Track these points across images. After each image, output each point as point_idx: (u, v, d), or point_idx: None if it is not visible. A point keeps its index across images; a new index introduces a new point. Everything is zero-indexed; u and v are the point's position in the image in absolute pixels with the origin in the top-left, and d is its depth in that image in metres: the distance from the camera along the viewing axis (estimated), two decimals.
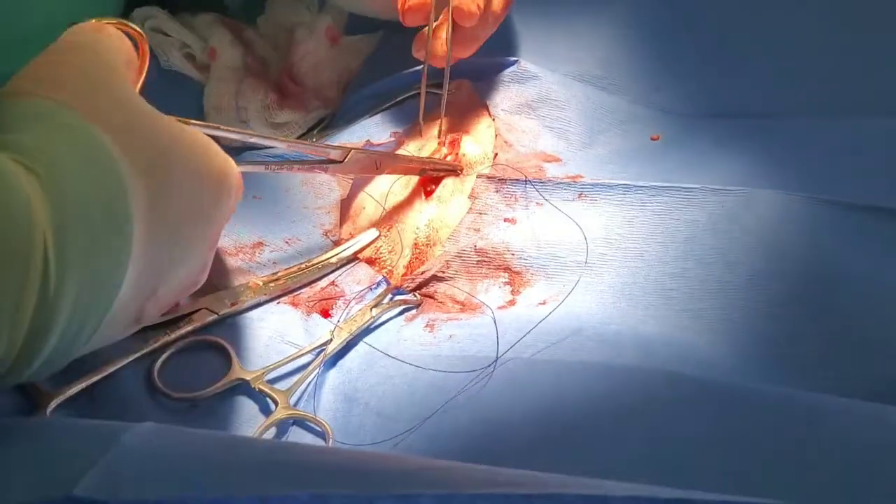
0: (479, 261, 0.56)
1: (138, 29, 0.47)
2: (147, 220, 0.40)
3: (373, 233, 0.59)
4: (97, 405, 0.48)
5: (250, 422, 0.49)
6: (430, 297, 0.56)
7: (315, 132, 0.67)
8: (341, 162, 0.57)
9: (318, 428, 0.49)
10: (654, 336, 0.50)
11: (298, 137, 0.67)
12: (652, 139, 0.63)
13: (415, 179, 0.61)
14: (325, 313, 0.55)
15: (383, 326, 0.54)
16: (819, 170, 0.57)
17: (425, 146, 0.63)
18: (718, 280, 0.51)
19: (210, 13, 0.70)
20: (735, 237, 0.53)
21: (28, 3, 0.59)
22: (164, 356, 0.50)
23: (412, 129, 0.64)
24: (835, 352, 0.48)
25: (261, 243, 0.58)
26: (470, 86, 0.66)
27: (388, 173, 0.60)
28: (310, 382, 0.50)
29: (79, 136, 0.38)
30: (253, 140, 0.55)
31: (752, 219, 0.53)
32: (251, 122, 0.66)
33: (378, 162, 0.59)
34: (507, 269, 0.56)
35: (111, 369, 0.48)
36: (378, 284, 0.56)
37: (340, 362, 0.52)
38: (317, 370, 0.51)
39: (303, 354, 0.51)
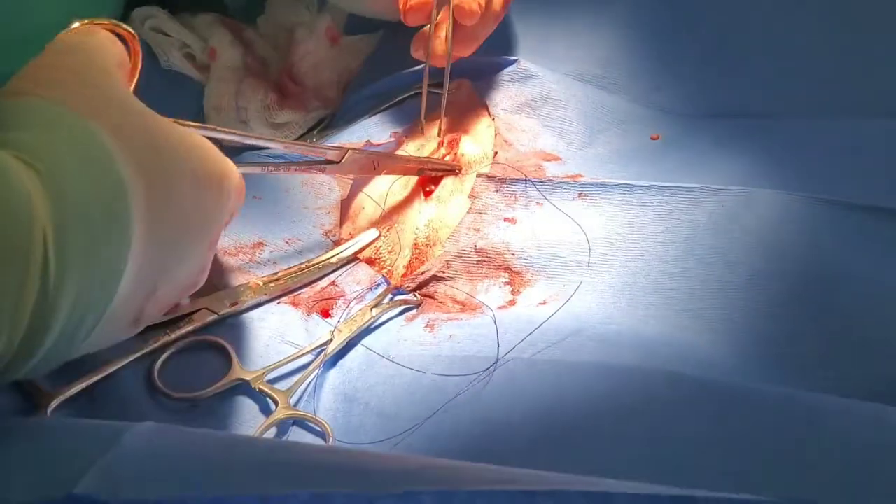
0: (479, 261, 0.56)
1: (130, 30, 0.47)
2: (146, 218, 0.40)
3: (373, 233, 0.59)
4: (97, 405, 0.48)
5: (250, 422, 0.49)
6: (430, 297, 0.56)
7: (315, 132, 0.67)
8: (339, 162, 0.57)
9: (318, 428, 0.49)
10: (654, 336, 0.50)
11: (298, 137, 0.67)
12: (652, 139, 0.63)
13: (414, 179, 0.61)
14: (325, 313, 0.55)
15: (383, 326, 0.54)
16: (819, 170, 0.57)
17: (425, 146, 0.63)
18: (719, 280, 0.51)
19: (210, 13, 0.70)
20: (735, 237, 0.53)
21: (28, 3, 0.59)
22: (164, 356, 0.50)
23: (412, 128, 0.64)
24: (835, 352, 0.48)
25: (261, 243, 0.58)
26: (470, 85, 0.66)
27: (386, 174, 0.60)
28: (310, 382, 0.50)
29: (78, 134, 0.39)
30: (249, 141, 0.54)
31: (753, 218, 0.53)
32: (251, 122, 0.66)
33: (376, 162, 0.59)
34: (507, 268, 0.56)
35: (111, 369, 0.48)
36: (378, 284, 0.56)
37: (340, 362, 0.52)
38: (317, 370, 0.51)
39: (303, 354, 0.51)
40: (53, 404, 0.46)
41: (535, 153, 0.61)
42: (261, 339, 0.53)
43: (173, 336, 0.51)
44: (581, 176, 0.59)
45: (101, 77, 0.43)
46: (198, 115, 0.67)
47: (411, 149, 0.63)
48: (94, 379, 0.47)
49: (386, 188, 0.61)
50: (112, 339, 0.45)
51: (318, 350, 0.52)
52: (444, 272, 0.56)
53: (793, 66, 0.65)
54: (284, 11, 0.72)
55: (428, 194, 0.61)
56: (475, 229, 0.57)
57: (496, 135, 0.62)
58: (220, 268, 0.56)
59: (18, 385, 0.47)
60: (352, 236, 0.59)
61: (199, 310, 0.52)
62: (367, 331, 0.54)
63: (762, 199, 0.54)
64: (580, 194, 0.57)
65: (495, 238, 0.56)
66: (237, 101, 0.66)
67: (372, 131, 0.64)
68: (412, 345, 0.52)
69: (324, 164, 0.57)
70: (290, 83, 0.68)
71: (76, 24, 0.46)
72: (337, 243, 0.59)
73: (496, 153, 0.61)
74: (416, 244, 0.58)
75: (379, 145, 0.63)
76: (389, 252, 0.59)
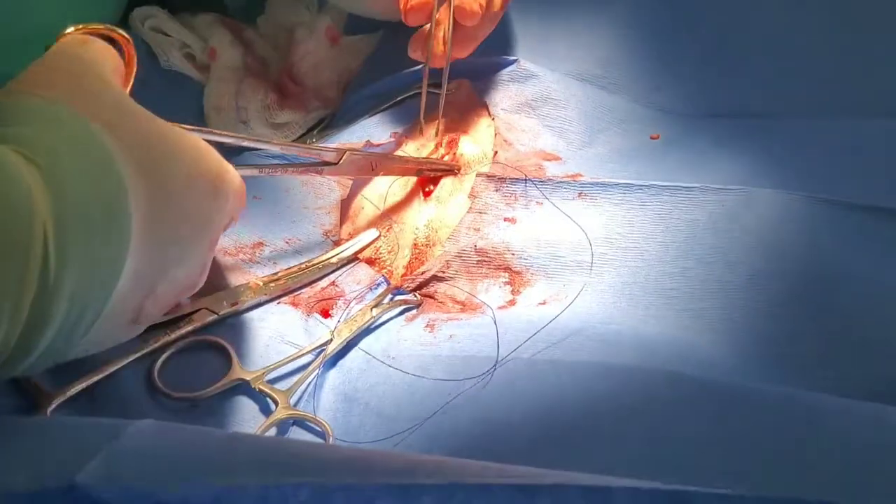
0: (479, 260, 0.56)
1: (125, 34, 0.48)
2: (145, 217, 0.40)
3: (373, 233, 0.59)
4: (97, 405, 0.48)
5: (250, 422, 0.49)
6: (431, 297, 0.56)
7: (315, 132, 0.67)
8: (336, 164, 0.57)
9: (318, 428, 0.49)
10: (654, 336, 0.50)
11: (298, 138, 0.67)
12: (651, 138, 0.63)
13: (413, 180, 0.61)
14: (326, 313, 0.55)
15: (383, 327, 0.54)
16: (819, 170, 0.57)
17: (425, 146, 0.63)
18: (719, 280, 0.51)
19: (210, 13, 0.70)
20: (735, 237, 0.53)
21: (28, 3, 0.59)
22: (164, 356, 0.50)
23: (412, 128, 0.64)
24: (835, 352, 0.48)
25: (261, 243, 0.58)
26: (469, 85, 0.66)
27: (384, 174, 0.60)
28: (310, 382, 0.50)
29: (77, 131, 0.39)
30: (245, 143, 0.54)
31: (753, 218, 0.53)
32: (251, 122, 0.65)
33: (374, 163, 0.59)
34: (507, 268, 0.56)
35: (111, 369, 0.48)
36: (378, 284, 0.56)
37: (340, 362, 0.52)
38: (317, 370, 0.51)
39: (303, 354, 0.52)
40: (53, 404, 0.46)
41: (535, 153, 0.61)
42: (261, 339, 0.53)
43: (173, 336, 0.51)
44: (581, 175, 0.59)
45: (98, 82, 0.43)
46: (198, 115, 0.67)
47: (411, 149, 0.63)
48: (94, 379, 0.47)
49: (385, 188, 0.61)
50: (114, 339, 0.45)
51: (318, 350, 0.52)
52: (444, 272, 0.56)
53: (793, 66, 0.65)
54: (284, 11, 0.72)
55: (427, 194, 0.61)
56: (475, 229, 0.57)
57: (496, 135, 0.62)
58: (220, 268, 0.56)
59: (19, 385, 0.47)
60: (352, 236, 0.59)
61: (199, 310, 0.52)
62: (368, 331, 0.54)
63: (762, 199, 0.54)
64: (580, 194, 0.57)
65: (495, 238, 0.56)
66: (237, 101, 0.66)
67: (372, 131, 0.64)
68: (412, 345, 0.52)
69: (321, 166, 0.57)
70: (290, 83, 0.68)
71: (70, 30, 0.46)
72: (337, 243, 0.59)
73: (496, 153, 0.61)
74: (415, 244, 0.58)
75: (379, 145, 0.63)
76: (389, 252, 0.59)
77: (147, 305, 0.44)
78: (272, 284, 0.55)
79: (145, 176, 0.40)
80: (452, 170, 0.61)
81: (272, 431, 0.48)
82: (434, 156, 0.62)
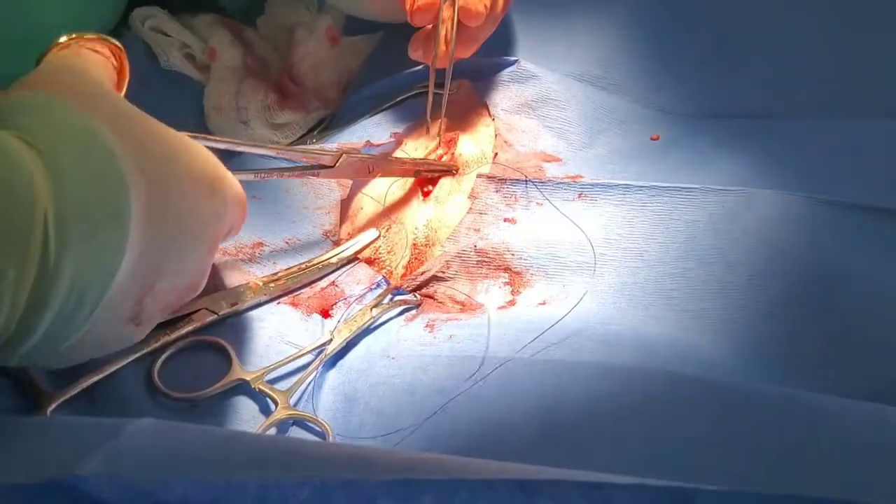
0: (479, 261, 0.56)
1: (117, 43, 0.48)
2: (145, 209, 0.40)
3: (373, 233, 0.59)
4: (97, 405, 0.48)
5: (250, 422, 0.49)
6: (430, 297, 0.56)
7: (315, 132, 0.67)
8: (333, 167, 0.57)
9: (317, 428, 0.49)
10: (654, 336, 0.50)
11: (299, 138, 0.67)
12: (652, 139, 0.63)
13: (412, 180, 0.61)
14: (326, 313, 0.55)
15: (383, 327, 0.54)
16: (819, 170, 0.57)
17: (424, 145, 0.63)
18: (719, 280, 0.51)
19: (210, 13, 0.70)
20: (735, 237, 0.53)
21: (28, 3, 0.59)
22: (164, 356, 0.50)
23: (413, 128, 0.64)
24: (835, 352, 0.48)
25: (261, 243, 0.58)
26: (469, 86, 0.66)
27: (381, 176, 0.60)
28: (310, 383, 0.50)
29: (77, 122, 0.39)
30: (240, 149, 0.54)
31: (753, 219, 0.53)
32: (251, 122, 0.65)
33: (371, 166, 0.59)
34: (507, 269, 0.56)
35: (111, 369, 0.48)
36: (378, 285, 0.56)
37: (340, 362, 0.52)
38: (317, 370, 0.51)
39: (303, 355, 0.51)
40: (53, 404, 0.46)
41: (535, 154, 0.61)
42: (261, 339, 0.53)
43: (173, 336, 0.51)
44: (581, 177, 0.59)
45: (94, 87, 0.44)
46: (198, 115, 0.67)
47: (410, 149, 0.63)
48: (95, 379, 0.47)
49: (385, 189, 0.61)
50: (116, 340, 0.45)
51: (318, 350, 0.52)
52: (443, 272, 0.56)
53: (793, 66, 0.65)
54: (284, 12, 0.72)
55: (426, 195, 0.61)
56: (475, 229, 0.57)
57: (496, 135, 0.62)
58: (220, 268, 0.56)
59: (19, 385, 0.47)
60: (351, 236, 0.59)
61: (199, 310, 0.52)
62: (367, 331, 0.54)
63: (762, 200, 0.54)
64: (580, 195, 0.57)
65: (495, 238, 0.56)
66: (237, 102, 0.66)
67: (372, 131, 0.64)
68: (412, 345, 0.52)
69: (318, 169, 0.57)
70: (290, 83, 0.68)
71: (63, 39, 0.46)
72: (337, 243, 0.59)
73: (496, 154, 0.61)
74: (415, 244, 0.58)
75: (379, 145, 0.63)
76: (389, 252, 0.59)
77: (147, 303, 0.44)
78: (272, 284, 0.55)
79: (144, 173, 0.41)
80: (450, 170, 0.61)
81: (272, 431, 0.48)
82: (433, 156, 0.62)
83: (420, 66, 0.63)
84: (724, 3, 0.68)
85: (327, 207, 0.61)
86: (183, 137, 0.45)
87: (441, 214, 0.59)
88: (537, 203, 0.58)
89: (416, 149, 0.63)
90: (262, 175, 0.55)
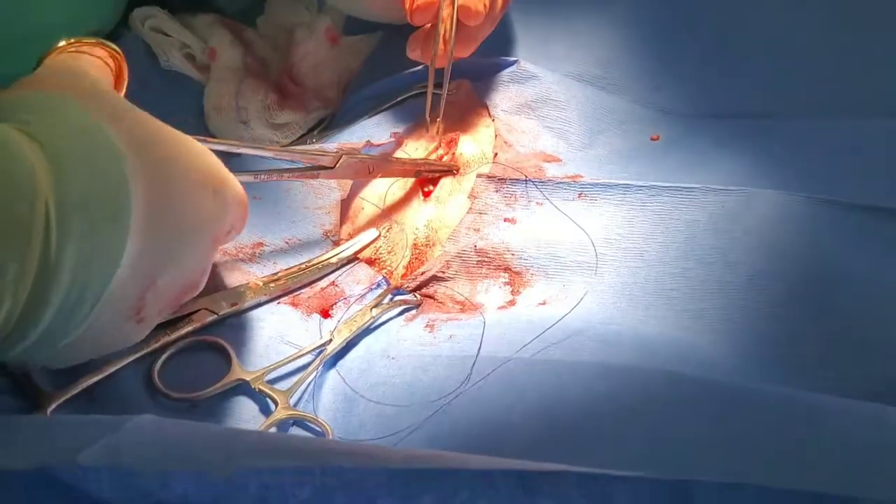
0: (479, 261, 0.56)
1: (115, 48, 0.48)
2: (146, 203, 0.40)
3: (373, 233, 0.59)
4: (97, 405, 0.48)
5: (250, 422, 0.49)
6: (430, 297, 0.56)
7: (315, 132, 0.67)
8: (332, 168, 0.57)
9: (317, 428, 0.49)
10: (654, 336, 0.50)
11: (299, 138, 0.67)
12: (651, 139, 0.63)
13: (412, 180, 0.61)
14: (325, 313, 0.55)
15: (383, 327, 0.54)
16: (819, 170, 0.57)
17: (425, 146, 0.63)
18: (719, 280, 0.51)
19: (210, 13, 0.70)
20: (735, 237, 0.53)
21: (28, 3, 0.59)
22: (164, 356, 0.50)
23: (415, 128, 0.64)
24: (835, 352, 0.48)
25: (261, 243, 0.58)
26: (469, 86, 0.66)
27: (381, 176, 0.60)
28: (310, 383, 0.50)
29: (78, 117, 0.39)
30: (238, 150, 0.54)
31: (753, 219, 0.53)
32: (252, 122, 0.65)
33: (371, 166, 0.59)
34: (507, 269, 0.56)
35: (111, 369, 0.48)
36: (378, 285, 0.56)
37: (340, 362, 0.52)
38: (317, 370, 0.51)
39: (303, 355, 0.51)
40: (54, 405, 0.46)
41: (535, 154, 0.61)
42: (261, 339, 0.53)
43: (173, 336, 0.51)
44: (581, 177, 0.59)
45: (94, 86, 0.44)
46: (198, 115, 0.67)
47: (411, 149, 0.63)
48: (95, 379, 0.47)
49: (385, 189, 0.61)
50: (118, 338, 0.45)
51: (318, 350, 0.52)
52: (443, 272, 0.56)
53: (793, 66, 0.65)
54: (284, 12, 0.72)
55: (427, 195, 0.61)
56: (475, 229, 0.57)
57: (496, 136, 0.62)
58: (220, 268, 0.56)
59: (19, 385, 0.47)
60: (351, 236, 0.59)
61: (199, 310, 0.52)
62: (367, 331, 0.54)
63: (762, 200, 0.54)
64: (580, 195, 0.57)
65: (495, 238, 0.56)
66: (237, 102, 0.66)
67: (372, 131, 0.64)
68: (412, 345, 0.52)
69: (318, 170, 0.57)
70: (290, 84, 0.68)
71: (62, 43, 0.47)
72: (337, 243, 0.59)
73: (496, 154, 0.61)
74: (415, 244, 0.58)
75: (379, 145, 0.63)
76: (389, 252, 0.59)
77: (148, 298, 0.44)
78: (272, 284, 0.55)
79: (144, 171, 0.41)
80: (451, 170, 0.61)
81: (272, 431, 0.48)
82: (433, 156, 0.62)
83: (420, 66, 0.63)
84: (724, 3, 0.68)
85: (327, 207, 0.61)
86: (185, 137, 0.45)
87: (441, 214, 0.59)
88: (537, 203, 0.58)
89: (416, 149, 0.63)
90: (262, 177, 0.55)
